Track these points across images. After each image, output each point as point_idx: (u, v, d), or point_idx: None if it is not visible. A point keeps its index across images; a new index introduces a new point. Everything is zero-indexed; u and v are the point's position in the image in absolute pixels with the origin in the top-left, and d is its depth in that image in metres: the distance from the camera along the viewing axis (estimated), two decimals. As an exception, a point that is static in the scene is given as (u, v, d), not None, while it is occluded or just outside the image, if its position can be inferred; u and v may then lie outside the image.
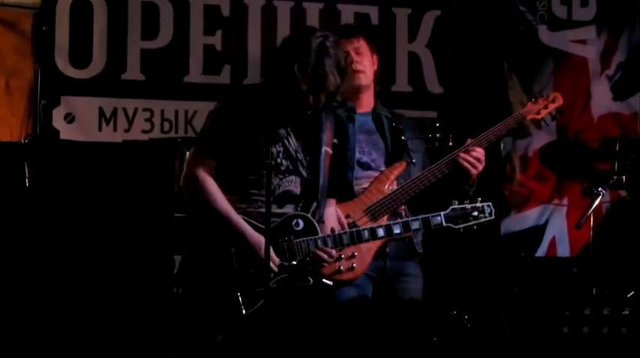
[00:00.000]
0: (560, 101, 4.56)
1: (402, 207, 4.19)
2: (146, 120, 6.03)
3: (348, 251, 4.04)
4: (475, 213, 4.19)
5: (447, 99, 6.26)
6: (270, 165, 3.73)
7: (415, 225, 4.08)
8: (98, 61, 5.92)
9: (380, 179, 4.14)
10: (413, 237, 4.44)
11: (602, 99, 6.47)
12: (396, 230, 4.04)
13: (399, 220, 4.08)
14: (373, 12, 6.14)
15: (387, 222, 4.05)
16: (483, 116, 5.35)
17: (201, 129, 4.14)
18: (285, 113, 3.84)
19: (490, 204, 4.20)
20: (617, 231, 5.83)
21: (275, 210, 3.80)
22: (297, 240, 3.81)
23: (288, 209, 3.82)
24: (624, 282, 5.03)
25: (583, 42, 6.49)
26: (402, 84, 6.26)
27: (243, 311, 3.74)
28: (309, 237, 3.82)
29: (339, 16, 6.12)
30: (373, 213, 4.07)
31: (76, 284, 4.96)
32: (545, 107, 4.50)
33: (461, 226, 4.18)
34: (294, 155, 3.85)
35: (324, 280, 3.97)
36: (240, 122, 3.89)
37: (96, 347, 4.86)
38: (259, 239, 3.71)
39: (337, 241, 3.92)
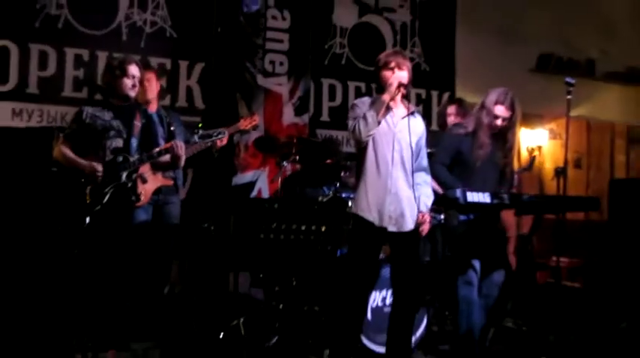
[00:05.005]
0: (256, 120, 5.67)
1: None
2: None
3: (140, 188, 4.64)
4: (214, 135, 4.71)
5: (208, 111, 7.42)
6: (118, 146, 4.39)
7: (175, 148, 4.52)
8: None
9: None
10: (176, 178, 5.31)
11: (288, 115, 7.86)
12: (165, 156, 4.58)
13: (161, 148, 4.58)
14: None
15: (158, 148, 4.54)
16: (222, 124, 5.52)
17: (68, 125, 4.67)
18: (113, 106, 4.53)
19: (225, 130, 4.73)
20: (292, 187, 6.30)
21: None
22: (121, 165, 4.35)
23: (119, 155, 4.51)
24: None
25: (280, 84, 7.90)
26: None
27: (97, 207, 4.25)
28: (126, 162, 4.41)
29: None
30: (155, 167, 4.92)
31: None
32: (249, 123, 5.61)
33: (207, 142, 4.67)
34: (117, 128, 4.56)
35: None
36: (89, 122, 4.58)
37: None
38: (89, 163, 4.40)
39: (146, 158, 4.42)
